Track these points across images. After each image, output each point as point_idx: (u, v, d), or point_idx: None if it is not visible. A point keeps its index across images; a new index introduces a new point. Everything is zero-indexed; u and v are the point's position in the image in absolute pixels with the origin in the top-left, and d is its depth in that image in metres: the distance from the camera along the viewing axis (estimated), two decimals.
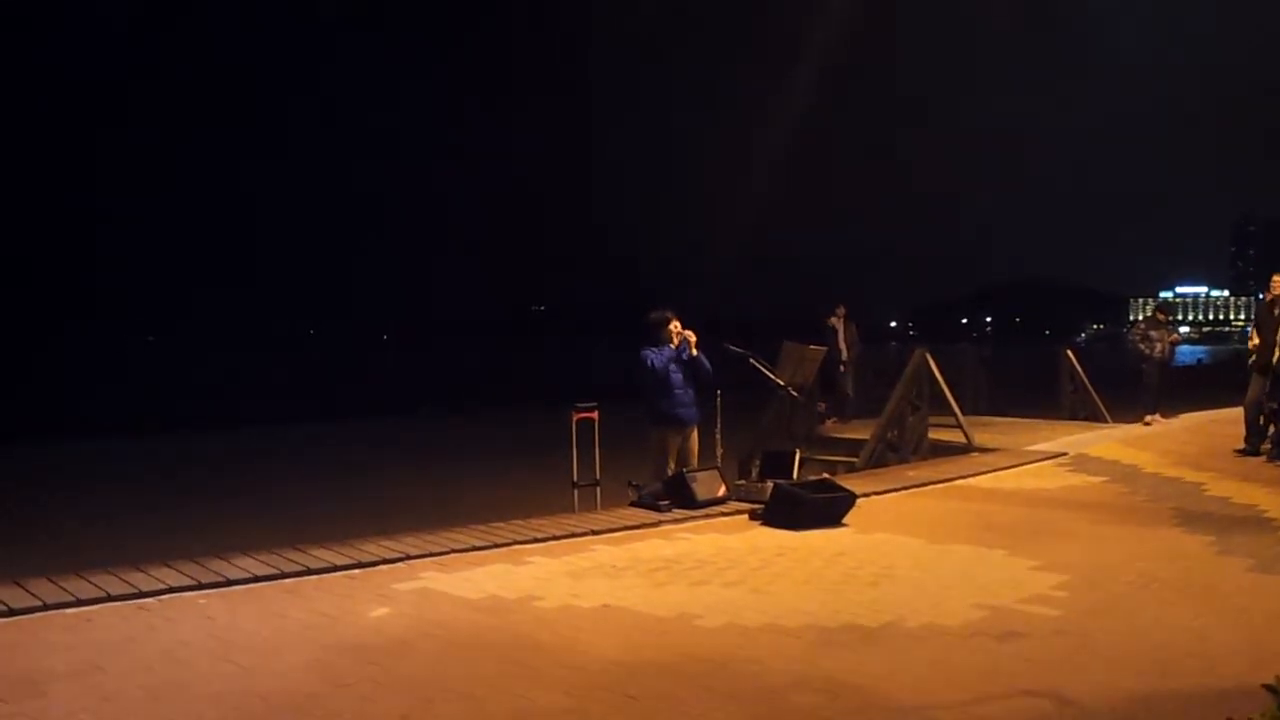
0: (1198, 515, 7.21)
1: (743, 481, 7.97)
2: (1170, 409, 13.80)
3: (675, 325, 7.89)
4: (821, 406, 13.57)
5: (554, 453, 9.03)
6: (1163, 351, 13.06)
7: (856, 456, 11.92)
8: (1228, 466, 9.55)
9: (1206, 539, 6.42)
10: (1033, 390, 16.29)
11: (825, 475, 8.47)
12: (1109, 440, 11.50)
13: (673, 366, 7.84)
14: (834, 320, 14.71)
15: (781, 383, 9.22)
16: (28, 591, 4.89)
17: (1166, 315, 14.22)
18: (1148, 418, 13.07)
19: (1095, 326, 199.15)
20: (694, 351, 7.88)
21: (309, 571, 5.44)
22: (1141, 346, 13.20)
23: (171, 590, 5.03)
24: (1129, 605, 4.95)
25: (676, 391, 7.85)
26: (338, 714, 3.56)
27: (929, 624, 4.63)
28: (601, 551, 6.15)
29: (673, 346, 7.87)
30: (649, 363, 7.83)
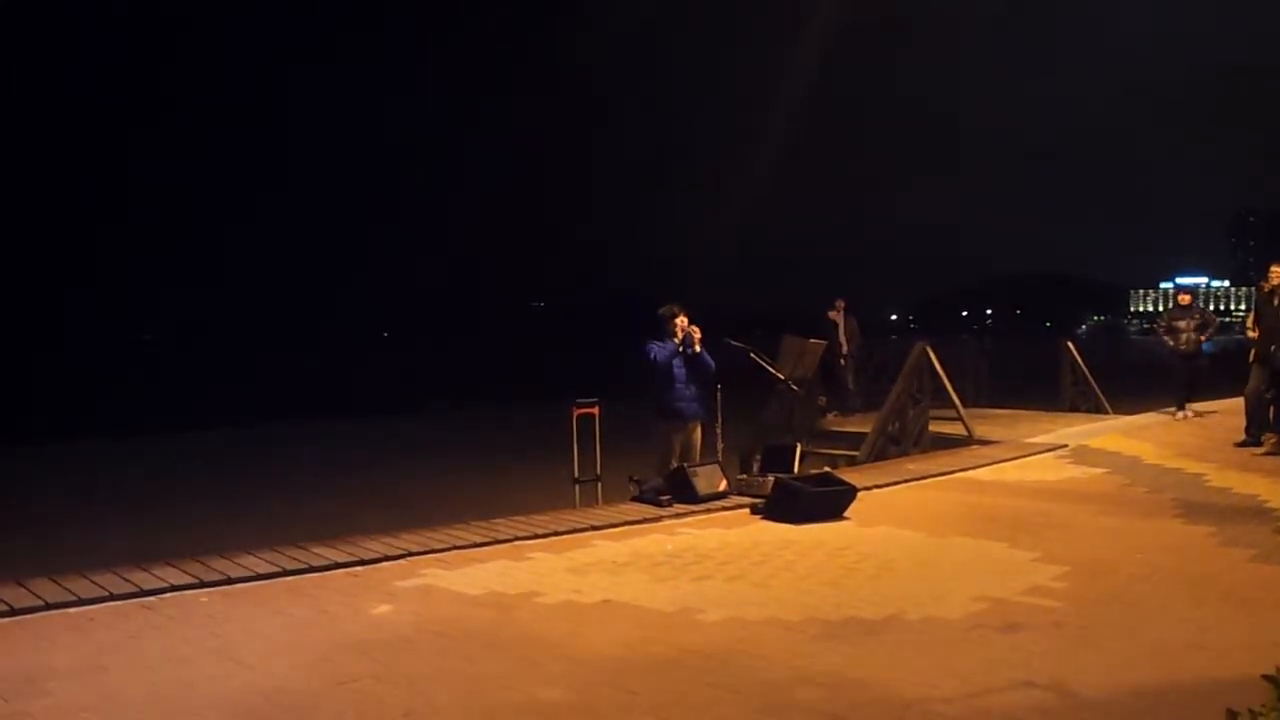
0: (1199, 506, 7.22)
1: (744, 476, 7.98)
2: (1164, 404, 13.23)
3: (681, 320, 7.91)
4: (822, 400, 13.57)
5: (555, 449, 9.04)
6: (1187, 343, 11.99)
7: (857, 450, 11.93)
8: (1229, 457, 9.55)
9: (1207, 530, 6.43)
10: (1033, 382, 16.31)
11: (826, 469, 8.49)
12: (1110, 432, 11.50)
13: (675, 361, 7.86)
14: (834, 314, 14.71)
15: (782, 377, 9.21)
16: (30, 591, 4.89)
17: (1191, 298, 12.83)
18: (1178, 414, 12.40)
19: (1096, 318, 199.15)
20: (696, 348, 7.89)
21: (311, 569, 5.45)
22: (1167, 339, 12.24)
23: (174, 589, 5.04)
24: (1130, 597, 4.95)
25: (678, 386, 7.87)
26: (341, 712, 3.56)
27: (930, 617, 4.63)
28: (603, 547, 6.15)
29: (675, 341, 7.89)
30: (651, 355, 7.86)
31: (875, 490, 7.96)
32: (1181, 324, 12.08)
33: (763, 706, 3.58)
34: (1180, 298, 12.92)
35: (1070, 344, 15.13)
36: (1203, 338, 12.13)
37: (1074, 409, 14.39)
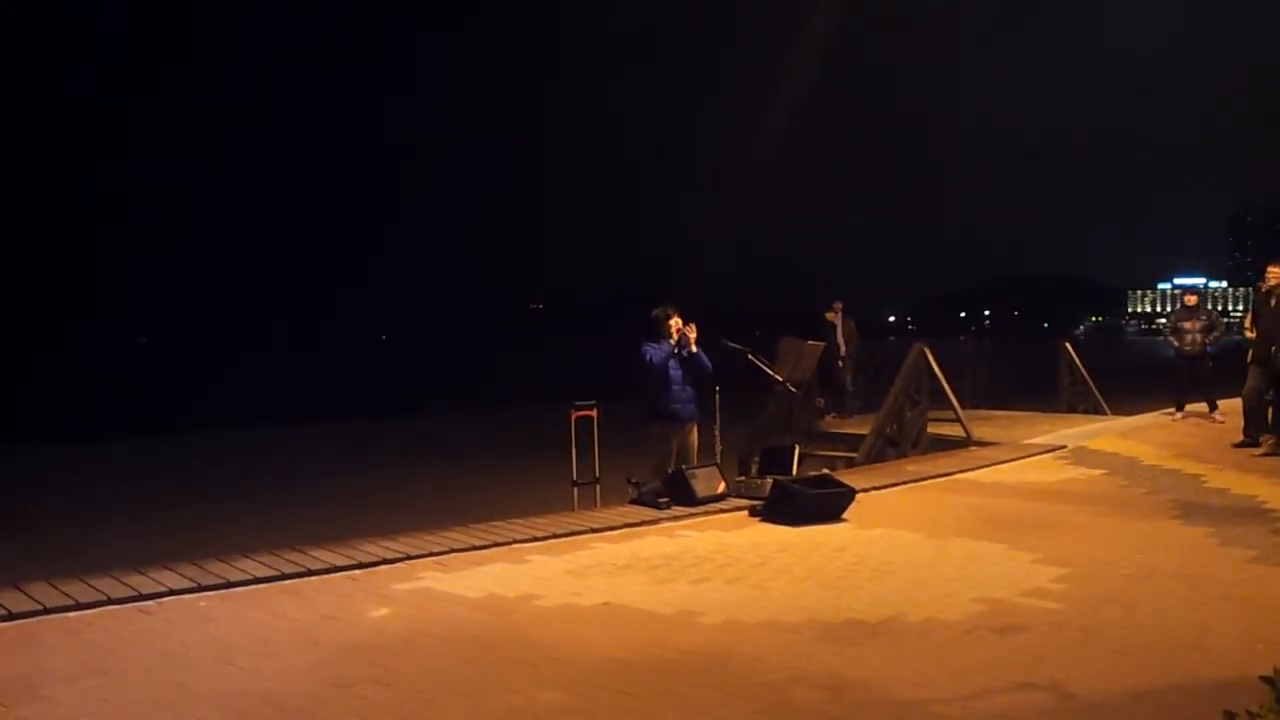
0: (1197, 507, 7.21)
1: (742, 478, 7.97)
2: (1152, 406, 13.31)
3: (676, 321, 7.90)
4: (820, 402, 13.57)
5: (554, 451, 9.05)
6: (1192, 345, 11.88)
7: (856, 452, 11.93)
8: (1227, 458, 9.54)
9: (1206, 530, 6.43)
10: (1032, 383, 16.33)
11: (825, 471, 8.48)
12: (1108, 433, 11.50)
13: (672, 363, 7.85)
14: (831, 315, 14.71)
15: (780, 378, 9.22)
16: (27, 595, 4.88)
17: (1198, 299, 12.62)
18: (1176, 414, 12.40)
19: (1094, 319, 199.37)
20: (693, 348, 7.88)
21: (309, 572, 5.44)
22: (1172, 339, 12.17)
23: (171, 593, 5.03)
24: (1129, 598, 4.95)
25: (675, 388, 7.85)
26: (339, 715, 3.56)
27: (929, 618, 4.63)
28: (601, 549, 6.15)
29: (671, 342, 7.88)
30: (647, 358, 7.83)
31: (874, 492, 7.96)
32: (1187, 325, 12.00)
33: (762, 708, 3.57)
34: (1186, 299, 12.77)
35: (1068, 345, 15.13)
36: (1208, 340, 12.00)
37: (1072, 410, 14.39)
